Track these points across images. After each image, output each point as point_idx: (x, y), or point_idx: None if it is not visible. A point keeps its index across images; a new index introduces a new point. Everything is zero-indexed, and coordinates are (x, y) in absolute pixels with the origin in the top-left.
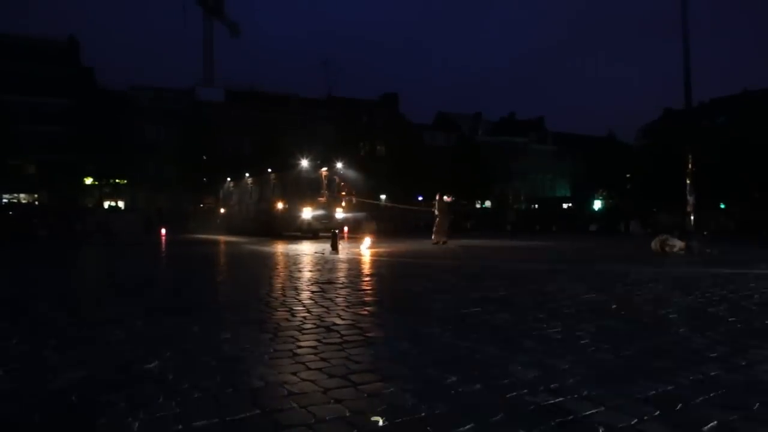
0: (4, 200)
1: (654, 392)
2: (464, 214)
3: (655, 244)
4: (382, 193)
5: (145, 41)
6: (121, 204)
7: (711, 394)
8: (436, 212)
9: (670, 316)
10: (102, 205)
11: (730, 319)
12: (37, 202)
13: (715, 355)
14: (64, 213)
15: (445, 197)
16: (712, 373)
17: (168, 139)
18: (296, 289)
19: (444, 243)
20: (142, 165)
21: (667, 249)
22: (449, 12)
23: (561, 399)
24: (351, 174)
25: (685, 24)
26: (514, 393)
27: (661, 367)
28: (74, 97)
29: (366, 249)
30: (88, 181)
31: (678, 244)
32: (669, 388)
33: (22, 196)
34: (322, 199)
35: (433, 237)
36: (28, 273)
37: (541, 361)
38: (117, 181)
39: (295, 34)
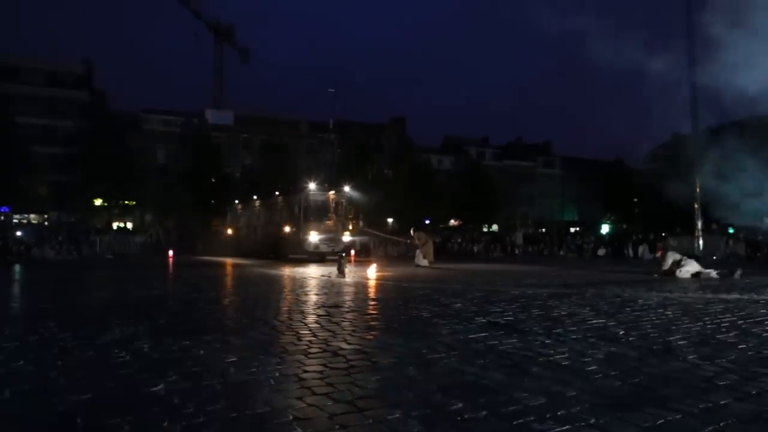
0: (15, 220)
1: (662, 420)
2: (470, 237)
3: (669, 265)
4: (390, 217)
5: (157, 66)
6: (129, 225)
7: (720, 424)
8: (416, 243)
9: (679, 342)
10: (111, 227)
11: (740, 347)
12: (46, 223)
13: (725, 383)
14: (73, 234)
15: (451, 222)
16: (722, 402)
17: (177, 162)
18: (302, 312)
19: (429, 265)
20: (151, 187)
21: (678, 273)
22: (456, 36)
23: (568, 427)
24: (358, 197)
25: (692, 50)
26: (521, 420)
27: (670, 395)
28: (86, 119)
29: (372, 273)
30: (98, 202)
31: (692, 266)
32: (678, 416)
33: (32, 216)
34: (329, 223)
35: (425, 262)
36: (36, 293)
37: (548, 387)
38: (126, 202)
39: (303, 59)
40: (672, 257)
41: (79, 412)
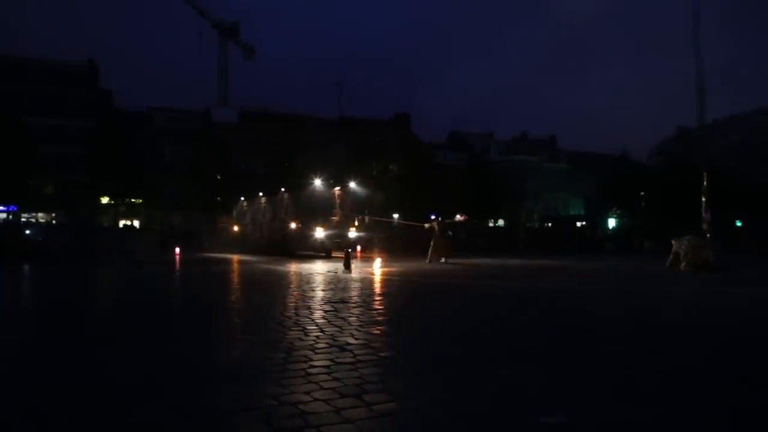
0: (23, 219)
1: (670, 415)
2: (476, 232)
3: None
4: (395, 213)
5: (162, 64)
6: (136, 223)
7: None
8: (427, 229)
9: (691, 337)
10: (118, 225)
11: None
12: (54, 222)
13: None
14: (81, 232)
15: (457, 217)
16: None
17: (183, 160)
18: (309, 308)
19: (444, 262)
20: (157, 185)
21: (682, 266)
22: (461, 32)
23: (576, 420)
24: (364, 193)
25: (697, 42)
26: (528, 414)
27: (678, 389)
28: (93, 118)
29: (379, 268)
30: (105, 200)
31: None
32: (686, 410)
33: (40, 215)
34: (335, 219)
35: (428, 258)
36: (47, 292)
37: (556, 381)
38: (132, 200)
39: (308, 56)
40: (675, 248)
41: (89, 406)
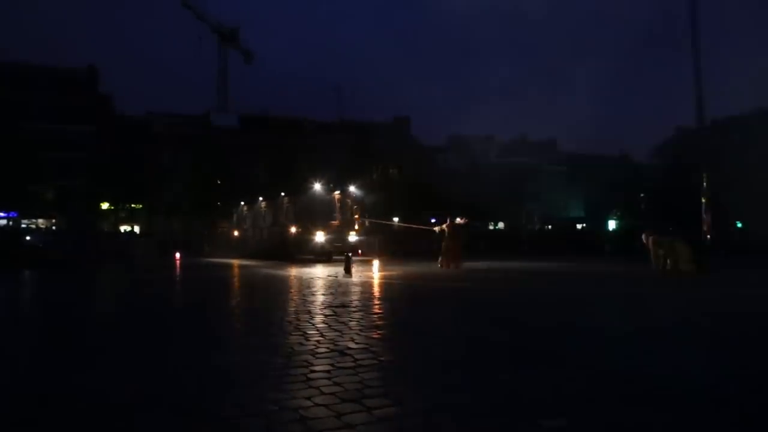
0: (23, 225)
1: (670, 417)
2: (476, 235)
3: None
4: (395, 216)
5: (161, 68)
6: (136, 228)
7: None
8: (438, 231)
9: (688, 340)
10: (118, 230)
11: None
12: (54, 227)
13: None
14: (81, 238)
15: (458, 219)
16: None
17: (183, 164)
18: (310, 312)
19: (456, 267)
20: (157, 190)
21: (679, 265)
22: (460, 33)
23: (575, 424)
24: (364, 197)
25: (696, 43)
26: (528, 417)
27: (678, 393)
28: (92, 124)
29: (379, 273)
30: (105, 206)
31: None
32: (687, 412)
33: (40, 221)
34: (335, 223)
35: (440, 261)
36: (47, 298)
37: (556, 385)
38: (132, 205)
39: (307, 59)
40: (658, 248)
41: (87, 413)
